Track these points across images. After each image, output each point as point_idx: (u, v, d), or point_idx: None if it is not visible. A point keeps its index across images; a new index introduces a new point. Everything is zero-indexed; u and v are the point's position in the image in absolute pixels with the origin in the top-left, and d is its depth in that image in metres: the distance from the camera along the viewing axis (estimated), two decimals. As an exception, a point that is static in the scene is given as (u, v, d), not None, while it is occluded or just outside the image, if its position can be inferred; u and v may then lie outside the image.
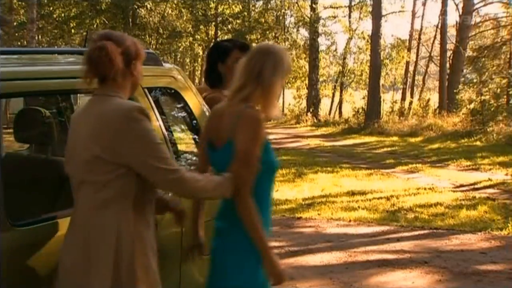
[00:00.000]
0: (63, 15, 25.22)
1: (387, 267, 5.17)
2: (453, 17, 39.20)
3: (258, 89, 2.31)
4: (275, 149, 2.65)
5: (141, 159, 1.97)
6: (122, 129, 1.96)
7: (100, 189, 1.99)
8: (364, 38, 29.43)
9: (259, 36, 29.89)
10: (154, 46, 27.63)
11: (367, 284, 4.73)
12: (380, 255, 5.54)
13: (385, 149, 15.79)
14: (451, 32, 26.41)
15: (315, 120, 25.70)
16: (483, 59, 21.50)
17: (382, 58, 25.33)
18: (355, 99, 30.94)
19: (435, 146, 16.01)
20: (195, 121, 2.96)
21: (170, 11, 28.30)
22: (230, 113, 2.30)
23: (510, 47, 22.62)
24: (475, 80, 20.14)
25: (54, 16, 24.89)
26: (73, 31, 26.68)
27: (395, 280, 4.85)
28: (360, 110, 24.63)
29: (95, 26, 25.32)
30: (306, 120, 25.75)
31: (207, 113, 3.00)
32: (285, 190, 8.82)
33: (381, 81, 24.59)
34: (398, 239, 6.14)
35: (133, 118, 1.97)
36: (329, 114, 30.10)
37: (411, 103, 27.22)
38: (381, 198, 8.34)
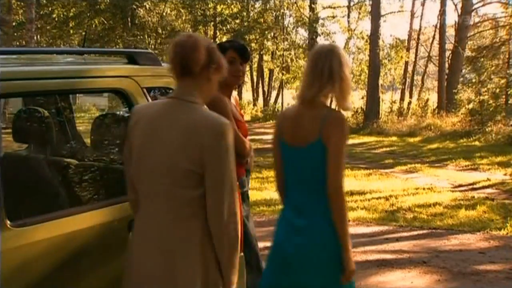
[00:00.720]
0: (62, 15, 25.20)
1: (386, 267, 5.16)
2: (452, 17, 39.28)
3: (335, 86, 2.52)
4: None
5: (216, 174, 2.01)
6: (212, 144, 2.00)
7: (187, 203, 2.03)
8: (363, 38, 29.44)
9: (258, 36, 29.88)
10: (153, 46, 27.61)
11: (366, 284, 4.73)
12: (379, 255, 5.54)
13: (384, 149, 15.80)
14: (450, 32, 26.47)
15: (314, 120, 25.64)
16: (482, 59, 21.49)
17: (381, 58, 25.33)
18: (354, 99, 30.89)
19: (434, 146, 16.03)
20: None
21: (169, 11, 28.28)
22: (313, 116, 2.52)
23: (508, 47, 22.62)
24: (474, 80, 20.16)
25: (53, 16, 24.87)
26: (72, 31, 26.68)
27: (394, 280, 4.85)
28: (359, 110, 24.63)
29: (94, 26, 25.32)
30: (305, 120, 25.71)
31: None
32: (284, 190, 8.81)
33: (380, 81, 24.59)
34: (397, 239, 6.14)
35: (223, 134, 2.02)
36: (328, 114, 30.05)
37: (410, 103, 27.24)
38: (380, 198, 8.35)
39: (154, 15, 27.90)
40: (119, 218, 2.44)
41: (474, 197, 8.41)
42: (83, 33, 25.36)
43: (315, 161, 2.49)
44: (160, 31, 28.49)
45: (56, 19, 25.11)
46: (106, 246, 2.40)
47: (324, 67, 2.52)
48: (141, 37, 26.37)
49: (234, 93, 3.58)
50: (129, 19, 26.28)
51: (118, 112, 3.14)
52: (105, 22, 25.43)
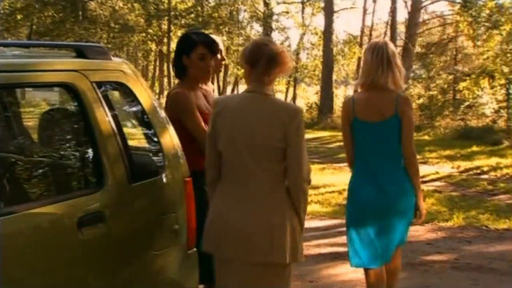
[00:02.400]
0: (9, 7, 24.37)
1: (338, 259, 5.25)
2: (402, 14, 40.16)
3: (394, 72, 3.24)
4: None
5: (295, 146, 2.63)
6: (291, 124, 2.62)
7: (276, 175, 2.67)
8: (316, 34, 29.73)
9: (212, 31, 29.73)
10: (105, 40, 27.09)
11: (319, 276, 4.80)
12: (332, 248, 5.62)
13: (338, 143, 16.01)
14: (401, 29, 27.02)
15: (269, 115, 25.77)
16: (431, 55, 22.11)
17: (334, 53, 25.66)
18: (308, 94, 31.28)
19: (386, 140, 16.36)
20: (146, 116, 2.92)
21: (121, 5, 27.77)
22: (386, 97, 3.25)
23: (455, 44, 23.35)
24: (423, 76, 20.71)
25: (-1, 8, 24.04)
26: (20, 23, 25.84)
27: (346, 272, 4.93)
28: (313, 105, 24.91)
29: (43, 18, 24.62)
30: (260, 115, 25.80)
31: (158, 108, 2.98)
32: (238, 185, 8.82)
33: (334, 77, 24.92)
34: (350, 232, 6.24)
35: (297, 116, 2.67)
36: (283, 109, 30.23)
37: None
38: (333, 192, 8.47)
39: (106, 9, 27.37)
40: (68, 215, 2.40)
41: (423, 190, 8.59)
42: (32, 26, 24.62)
43: (392, 132, 3.24)
44: (112, 25, 27.97)
45: (2, 11, 24.27)
46: (54, 243, 2.34)
47: (383, 58, 3.22)
48: (93, 30, 25.82)
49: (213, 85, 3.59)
50: (80, 12, 25.67)
51: (66, 107, 3.07)
52: (55, 15, 24.75)
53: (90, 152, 2.66)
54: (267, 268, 2.67)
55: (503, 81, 17.62)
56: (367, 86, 3.30)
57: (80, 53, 2.72)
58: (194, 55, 3.26)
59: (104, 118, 2.61)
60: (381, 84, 3.24)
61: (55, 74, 2.54)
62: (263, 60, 2.66)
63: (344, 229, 6.28)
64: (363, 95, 3.34)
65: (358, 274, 4.88)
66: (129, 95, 2.91)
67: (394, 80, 3.26)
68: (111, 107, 2.75)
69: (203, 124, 3.20)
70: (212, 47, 3.32)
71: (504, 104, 16.91)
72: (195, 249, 2.96)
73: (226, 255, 2.71)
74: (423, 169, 10.72)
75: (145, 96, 2.93)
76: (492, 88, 18.56)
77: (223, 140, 2.68)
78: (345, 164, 12.36)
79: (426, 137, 16.49)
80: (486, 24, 19.04)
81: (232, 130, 2.65)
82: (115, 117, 2.75)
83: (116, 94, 3.06)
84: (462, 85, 19.83)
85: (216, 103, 2.78)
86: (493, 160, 11.57)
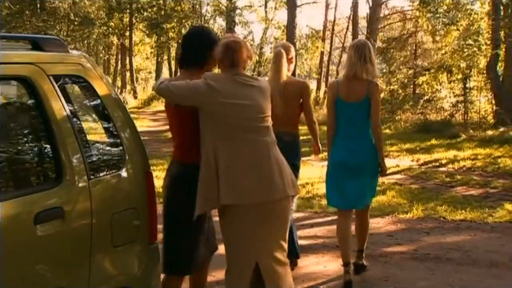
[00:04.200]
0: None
1: (301, 253, 5.28)
2: (364, 9, 40.65)
3: (370, 66, 4.29)
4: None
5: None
6: (269, 96, 3.35)
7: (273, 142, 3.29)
8: (280, 28, 29.83)
9: (175, 25, 29.48)
10: (65, 33, 26.52)
11: (282, 269, 4.82)
12: (294, 241, 5.65)
13: (300, 137, 16.12)
14: (363, 23, 27.41)
15: (233, 110, 25.72)
16: (392, 50, 22.47)
17: (297, 48, 25.77)
18: (272, 89, 31.32)
19: (348, 134, 16.56)
20: (105, 110, 2.88)
21: (81, -3, 27.23)
22: (361, 84, 4.28)
23: (415, 39, 23.80)
24: (384, 71, 21.02)
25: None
26: (-26, 15, 25.01)
27: (308, 265, 4.99)
28: (277, 100, 24.94)
29: (-2, 10, 23.88)
30: (224, 110, 25.73)
31: (118, 102, 2.94)
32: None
33: (297, 71, 25.04)
34: (312, 225, 6.32)
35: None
36: (247, 103, 30.21)
37: (325, 92, 27.98)
38: (296, 185, 8.51)
39: (66, 1, 26.78)
40: (25, 211, 2.35)
41: (384, 182, 8.79)
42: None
43: (364, 110, 4.29)
44: (72, 17, 27.39)
45: (-45, 1, 23.45)
46: (11, 239, 2.29)
47: (361, 55, 4.26)
48: (51, 23, 25.21)
49: None
50: (38, 4, 25.03)
51: (23, 101, 3.00)
52: (12, 6, 24.05)
53: (48, 147, 2.60)
54: (273, 204, 3.24)
55: (460, 76, 18.05)
56: (351, 76, 4.33)
57: (36, 45, 2.66)
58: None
59: (62, 112, 2.56)
60: (358, 75, 4.27)
61: (9, 67, 2.47)
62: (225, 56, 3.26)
63: (307, 222, 6.44)
64: (345, 82, 4.39)
65: (319, 266, 4.95)
66: (88, 89, 2.86)
67: (368, 72, 4.27)
68: (69, 101, 2.70)
69: None
70: None
71: (461, 98, 17.32)
72: (156, 243, 2.94)
73: (243, 201, 3.20)
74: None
75: (105, 90, 2.89)
76: (450, 82, 19.01)
77: (221, 114, 3.14)
78: (309, 158, 12.52)
79: (387, 131, 16.74)
80: (444, 19, 19.46)
81: (231, 107, 3.14)
82: (73, 111, 2.70)
83: (75, 88, 3.01)
84: (421, 79, 20.24)
85: (207, 77, 3.20)
86: (451, 153, 11.86)
